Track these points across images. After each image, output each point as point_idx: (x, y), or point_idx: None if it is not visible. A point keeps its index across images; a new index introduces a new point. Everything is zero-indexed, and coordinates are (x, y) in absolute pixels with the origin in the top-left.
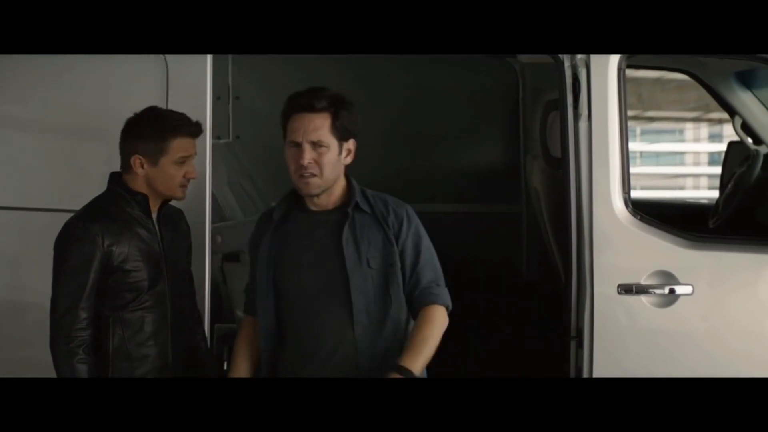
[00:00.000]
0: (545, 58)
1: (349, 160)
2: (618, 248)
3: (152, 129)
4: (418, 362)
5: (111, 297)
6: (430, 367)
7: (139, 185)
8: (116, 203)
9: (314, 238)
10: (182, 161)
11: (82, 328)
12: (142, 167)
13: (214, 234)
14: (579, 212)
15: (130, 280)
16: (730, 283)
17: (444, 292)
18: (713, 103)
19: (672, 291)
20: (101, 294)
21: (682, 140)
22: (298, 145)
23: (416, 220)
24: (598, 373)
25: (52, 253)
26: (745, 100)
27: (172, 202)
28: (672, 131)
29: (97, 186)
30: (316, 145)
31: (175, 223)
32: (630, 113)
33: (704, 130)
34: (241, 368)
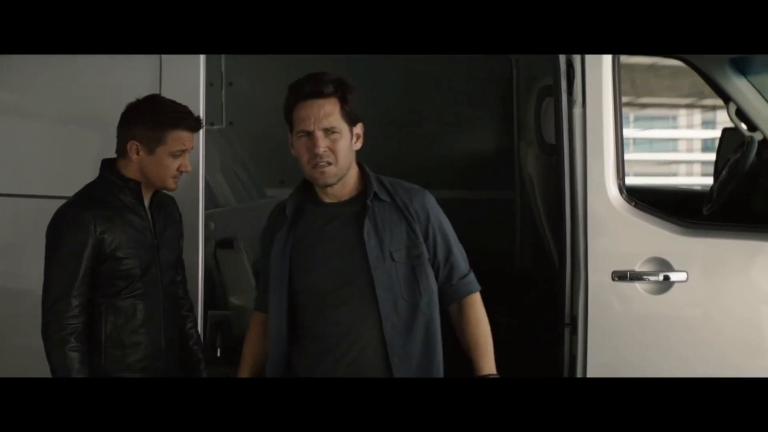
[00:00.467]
0: None
1: (359, 145)
2: (612, 235)
3: (153, 117)
4: (492, 360)
5: (103, 284)
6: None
7: (132, 172)
8: (109, 190)
9: (331, 232)
10: (178, 154)
11: (74, 315)
12: (138, 154)
13: (207, 220)
14: (573, 199)
15: (122, 267)
16: (724, 269)
17: (474, 278)
18: (707, 89)
19: (666, 278)
20: (93, 281)
21: (676, 127)
22: (310, 134)
23: (437, 206)
24: (592, 360)
25: (44, 240)
26: (740, 86)
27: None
28: (665, 118)
29: (90, 173)
30: (329, 131)
31: (167, 211)
32: (623, 100)
33: (698, 116)
34: (249, 367)
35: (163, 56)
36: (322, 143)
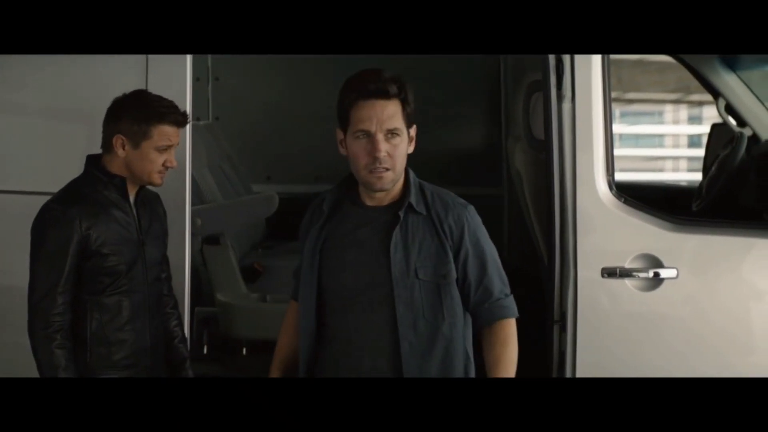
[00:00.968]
0: None
1: (412, 148)
2: (602, 231)
3: (139, 111)
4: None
5: (88, 281)
6: None
7: (117, 167)
8: (94, 186)
9: (363, 236)
10: (164, 149)
11: (60, 313)
12: (123, 148)
13: (193, 217)
14: (562, 195)
15: (107, 264)
16: (714, 266)
17: (512, 302)
18: (694, 84)
19: (656, 275)
20: (79, 278)
21: (663, 122)
22: (370, 136)
23: (478, 223)
24: (581, 358)
25: (29, 237)
26: (729, 81)
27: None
28: (652, 113)
29: (78, 170)
30: (392, 134)
31: (152, 207)
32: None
33: (685, 112)
34: (283, 358)
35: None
36: (383, 147)
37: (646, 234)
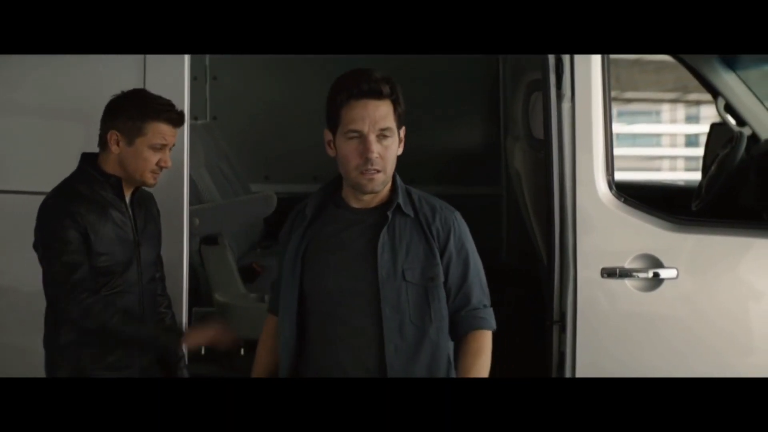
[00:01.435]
0: None
1: (401, 150)
2: (601, 231)
3: (134, 108)
4: None
5: None
6: None
7: (112, 167)
8: (89, 185)
9: (348, 239)
10: (159, 147)
11: (90, 288)
12: (117, 145)
13: (191, 217)
14: (562, 195)
15: (102, 264)
16: (714, 266)
17: (490, 314)
18: (692, 84)
19: (656, 275)
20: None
21: (662, 122)
22: (362, 136)
23: (464, 230)
24: (581, 358)
25: (24, 235)
26: (729, 81)
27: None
28: (650, 113)
29: (73, 168)
30: (384, 135)
31: (147, 207)
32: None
33: (684, 111)
34: (262, 370)
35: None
36: (375, 147)
37: (646, 234)
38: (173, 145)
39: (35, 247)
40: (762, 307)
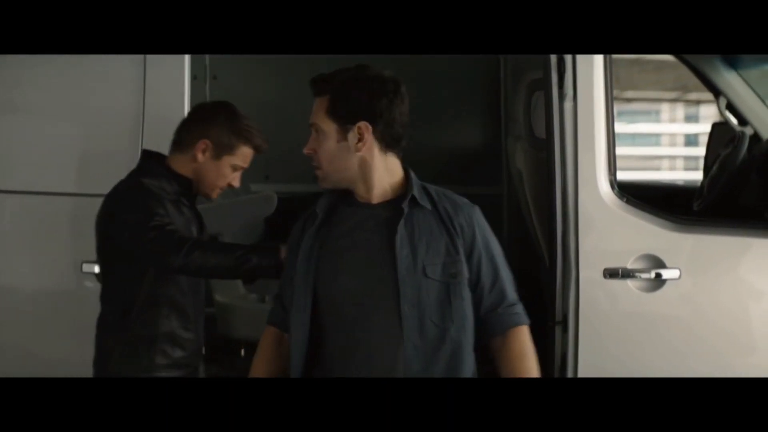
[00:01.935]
0: None
1: (361, 147)
2: (604, 231)
3: (231, 124)
4: None
5: (162, 278)
6: None
7: (186, 170)
8: (159, 182)
9: (362, 236)
10: (237, 168)
11: (181, 238)
12: (203, 154)
13: None
14: (564, 195)
15: None
16: (717, 266)
17: (523, 309)
18: (692, 83)
19: (658, 275)
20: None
21: (663, 121)
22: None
23: (486, 225)
24: (583, 359)
25: (22, 236)
26: (731, 80)
27: None
28: (652, 112)
29: (73, 168)
30: (315, 130)
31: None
32: None
33: (686, 110)
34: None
35: None
36: (309, 144)
37: (648, 234)
38: (246, 168)
39: (105, 247)
40: (763, 307)
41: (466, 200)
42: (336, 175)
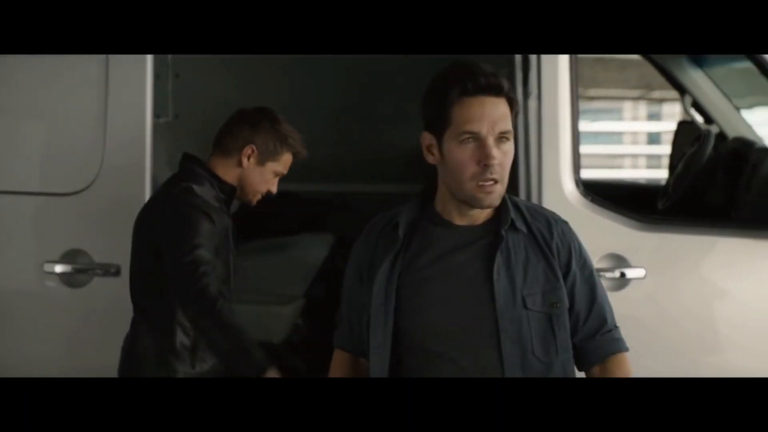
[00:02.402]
0: None
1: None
2: None
3: (275, 131)
4: None
5: None
6: None
7: (231, 176)
8: (203, 187)
9: (458, 263)
10: (279, 174)
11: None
12: (248, 159)
13: None
14: (528, 193)
15: (221, 269)
16: (682, 265)
17: (622, 335)
18: (657, 81)
19: (623, 275)
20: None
21: (628, 119)
22: (479, 139)
23: (580, 241)
24: None
25: None
26: (696, 78)
27: None
28: (616, 110)
29: (35, 168)
30: (504, 138)
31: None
32: None
33: (651, 109)
34: None
35: None
36: (497, 153)
37: (613, 233)
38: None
39: (147, 249)
40: (731, 307)
41: (556, 215)
42: (505, 190)
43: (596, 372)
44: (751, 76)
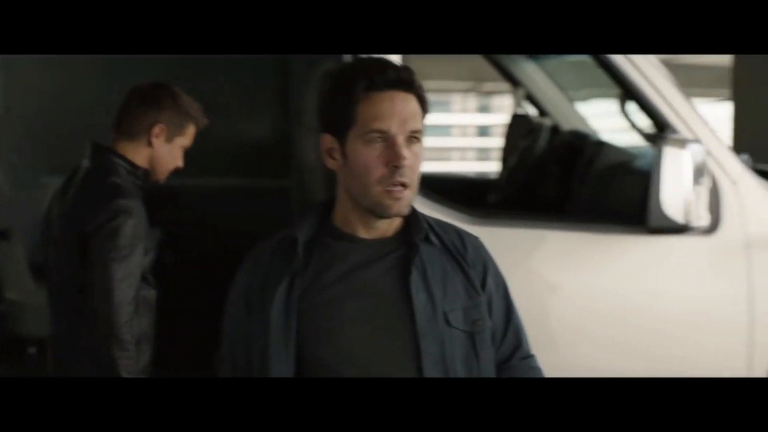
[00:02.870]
0: None
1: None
2: None
3: (178, 105)
4: None
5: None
6: None
7: (142, 159)
8: (123, 177)
9: (368, 280)
10: (185, 149)
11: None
12: (158, 138)
13: None
14: None
15: (149, 259)
16: (512, 260)
17: (538, 362)
18: (489, 74)
19: None
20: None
21: (454, 112)
22: (388, 139)
23: (492, 257)
24: None
25: None
26: (529, 71)
27: None
28: (442, 103)
29: None
30: (414, 139)
31: None
32: None
33: (482, 101)
34: None
35: None
36: (406, 154)
37: None
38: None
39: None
40: (560, 301)
41: (466, 231)
42: (415, 197)
43: None
44: (585, 68)
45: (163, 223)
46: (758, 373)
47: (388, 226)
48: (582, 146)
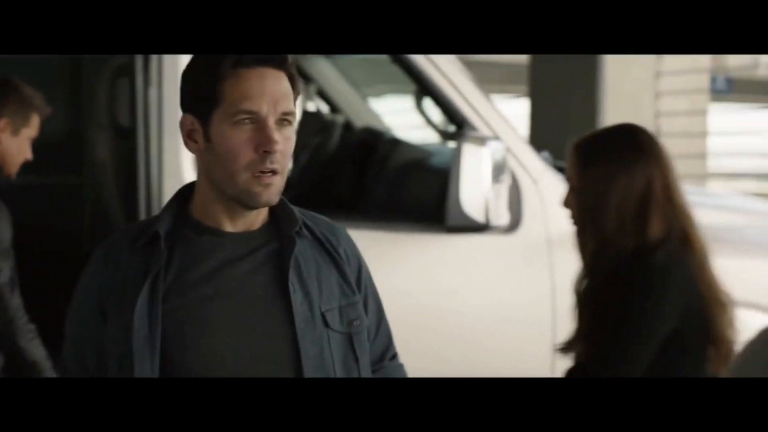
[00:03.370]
0: None
1: None
2: None
3: (20, 97)
4: None
5: None
6: None
7: None
8: None
9: (234, 277)
10: (32, 140)
11: None
12: (3, 132)
13: None
14: (148, 185)
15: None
16: None
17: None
18: None
19: None
20: None
21: None
22: (257, 120)
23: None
24: None
25: None
26: (321, 67)
27: None
28: None
29: None
30: (286, 122)
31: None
32: None
33: None
34: None
35: None
36: (277, 137)
37: None
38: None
39: None
40: None
41: (333, 222)
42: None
43: None
44: (378, 64)
45: None
46: (561, 371)
47: (254, 218)
48: (376, 143)
